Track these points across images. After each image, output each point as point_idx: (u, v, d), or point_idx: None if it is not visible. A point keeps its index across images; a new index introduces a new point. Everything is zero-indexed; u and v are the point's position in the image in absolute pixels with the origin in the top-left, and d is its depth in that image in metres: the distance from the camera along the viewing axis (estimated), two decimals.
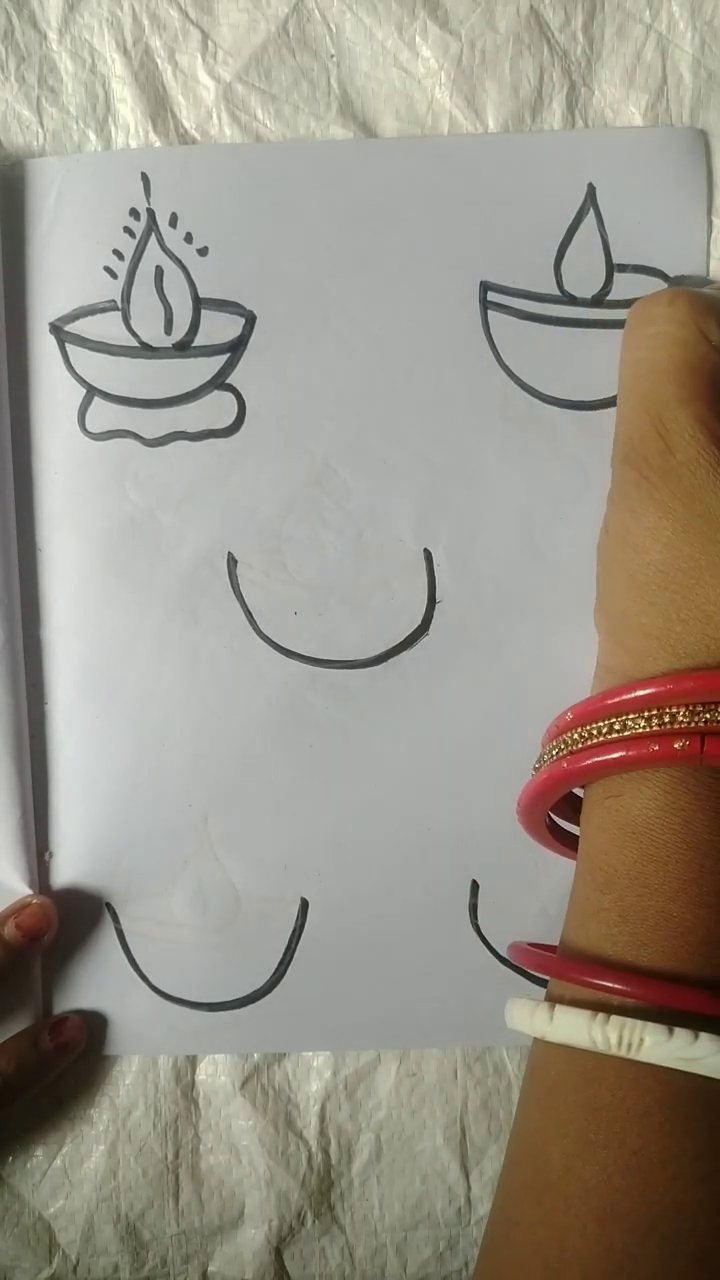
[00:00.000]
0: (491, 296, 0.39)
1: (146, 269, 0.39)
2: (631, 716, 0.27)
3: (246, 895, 0.38)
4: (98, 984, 0.38)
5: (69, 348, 0.39)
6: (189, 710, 0.39)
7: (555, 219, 0.39)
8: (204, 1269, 0.38)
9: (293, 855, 0.38)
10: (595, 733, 0.28)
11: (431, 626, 0.39)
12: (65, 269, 0.39)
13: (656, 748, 0.27)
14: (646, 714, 0.27)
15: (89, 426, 0.39)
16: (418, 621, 0.39)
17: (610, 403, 0.38)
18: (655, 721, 0.27)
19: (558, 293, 0.39)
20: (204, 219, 0.39)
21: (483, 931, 0.38)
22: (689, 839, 0.28)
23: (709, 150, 0.39)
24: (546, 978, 0.32)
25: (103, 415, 0.39)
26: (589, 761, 0.28)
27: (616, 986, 0.27)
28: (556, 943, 0.32)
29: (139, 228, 0.39)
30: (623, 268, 0.39)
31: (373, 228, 0.39)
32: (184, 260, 0.39)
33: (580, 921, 0.30)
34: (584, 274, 0.39)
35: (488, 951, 0.38)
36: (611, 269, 0.39)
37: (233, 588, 0.39)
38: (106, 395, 0.39)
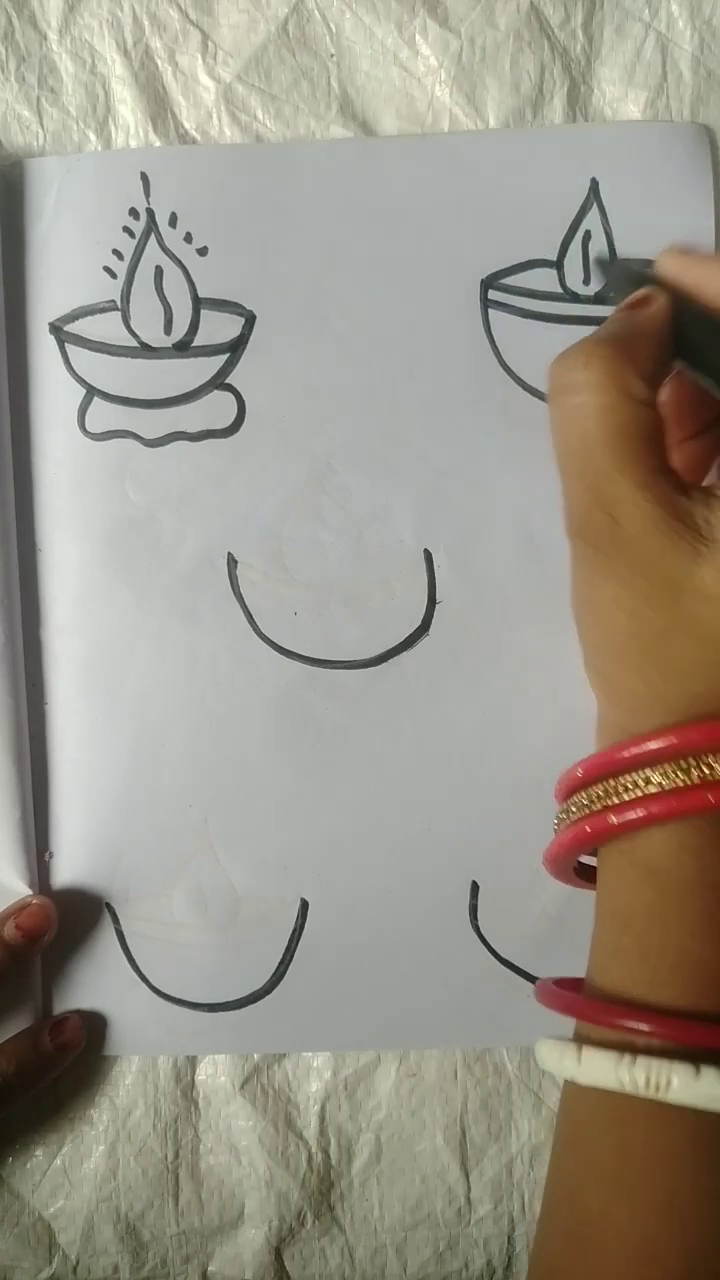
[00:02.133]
0: (492, 295, 0.39)
1: (146, 269, 0.39)
2: (650, 773, 0.28)
3: (246, 896, 0.38)
4: (98, 984, 0.38)
5: (69, 348, 0.39)
6: (189, 710, 0.39)
7: (558, 215, 0.39)
8: (204, 1269, 0.38)
9: (293, 856, 0.38)
10: (619, 789, 0.28)
11: (431, 627, 0.39)
12: (65, 269, 0.39)
13: (702, 799, 0.27)
14: (669, 769, 0.27)
15: (89, 427, 0.39)
16: (418, 622, 0.39)
17: None
18: (682, 777, 0.27)
19: (560, 290, 0.39)
20: (203, 219, 0.39)
21: (483, 933, 0.38)
22: (704, 877, 0.28)
23: (715, 145, 0.39)
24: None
25: (102, 415, 0.39)
26: (618, 820, 0.28)
27: (641, 1027, 0.27)
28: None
29: (138, 227, 0.39)
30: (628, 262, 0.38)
31: (373, 227, 0.39)
32: (183, 260, 0.39)
33: (603, 963, 0.29)
34: (587, 270, 0.38)
35: (488, 952, 0.38)
36: None
37: (233, 588, 0.39)
38: (106, 395, 0.39)
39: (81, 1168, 0.38)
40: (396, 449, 0.39)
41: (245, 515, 0.39)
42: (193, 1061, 0.39)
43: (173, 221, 0.39)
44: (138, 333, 0.39)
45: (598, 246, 0.38)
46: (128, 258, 0.39)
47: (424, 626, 0.39)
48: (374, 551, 0.39)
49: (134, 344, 0.39)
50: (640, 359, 0.28)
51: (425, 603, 0.39)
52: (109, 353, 0.39)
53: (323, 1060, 0.39)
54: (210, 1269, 0.38)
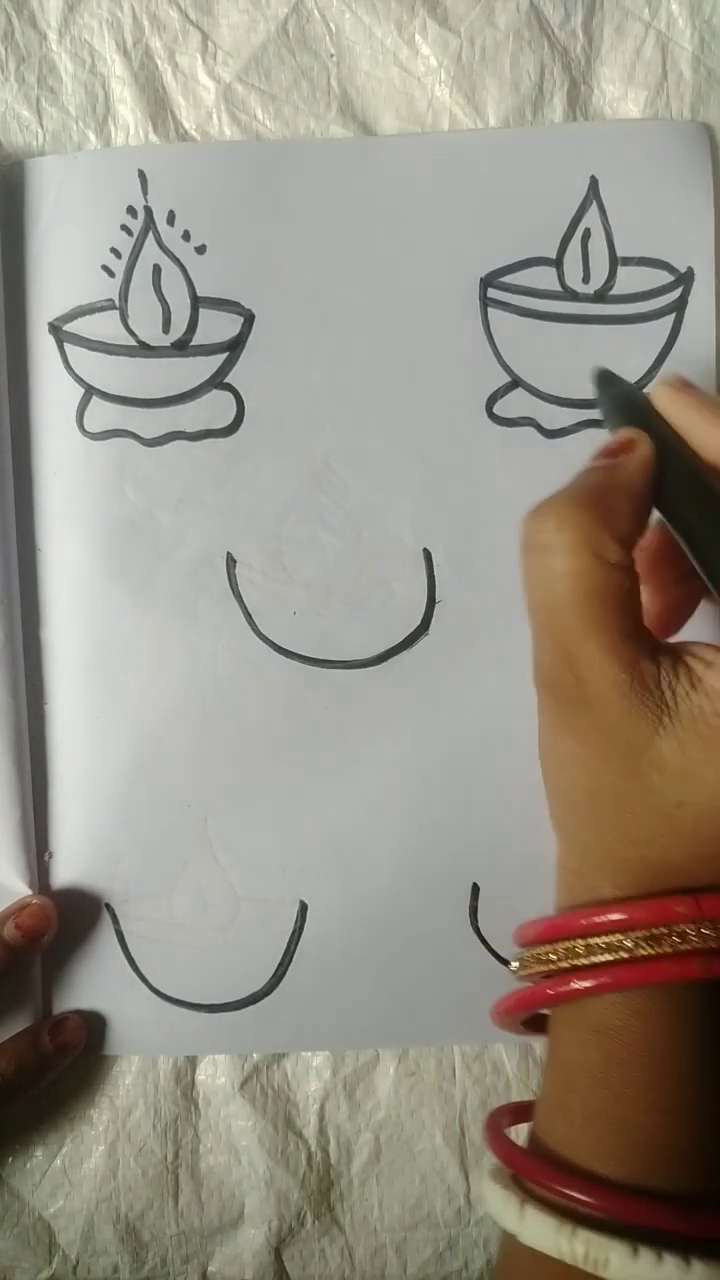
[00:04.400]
0: (491, 294, 0.39)
1: (144, 267, 0.38)
2: (622, 938, 0.27)
3: (246, 896, 0.38)
4: (98, 984, 0.38)
5: (67, 347, 0.39)
6: (189, 710, 0.38)
7: (557, 213, 0.39)
8: (204, 1269, 0.38)
9: (292, 857, 0.38)
10: (581, 951, 0.28)
11: (431, 626, 0.39)
12: (64, 268, 0.39)
13: (690, 967, 0.27)
14: (638, 938, 0.27)
15: (87, 426, 0.39)
16: (417, 621, 0.39)
17: None
18: (666, 944, 0.27)
19: (559, 289, 0.39)
20: (202, 217, 0.39)
21: (482, 933, 0.38)
22: (649, 1044, 0.27)
23: (714, 144, 0.39)
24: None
25: (101, 415, 0.39)
26: (581, 986, 0.28)
27: (582, 1198, 0.26)
28: None
29: (136, 226, 0.38)
30: (627, 260, 0.38)
31: (372, 226, 0.39)
32: (182, 259, 0.39)
33: (548, 1117, 0.29)
34: (586, 268, 0.38)
35: (488, 953, 0.38)
36: (615, 262, 0.38)
37: (232, 588, 0.39)
38: (105, 395, 0.39)
39: (81, 1168, 0.38)
40: (396, 449, 0.39)
41: (244, 515, 0.39)
42: (192, 1062, 0.39)
43: (171, 220, 0.39)
44: (136, 332, 0.39)
45: (598, 245, 0.38)
46: (126, 256, 0.38)
47: (424, 626, 0.39)
48: (373, 551, 0.39)
49: (132, 343, 0.39)
50: (616, 519, 0.28)
51: (425, 602, 0.39)
52: (107, 352, 0.39)
53: (322, 1060, 0.39)
54: (210, 1269, 0.38)
